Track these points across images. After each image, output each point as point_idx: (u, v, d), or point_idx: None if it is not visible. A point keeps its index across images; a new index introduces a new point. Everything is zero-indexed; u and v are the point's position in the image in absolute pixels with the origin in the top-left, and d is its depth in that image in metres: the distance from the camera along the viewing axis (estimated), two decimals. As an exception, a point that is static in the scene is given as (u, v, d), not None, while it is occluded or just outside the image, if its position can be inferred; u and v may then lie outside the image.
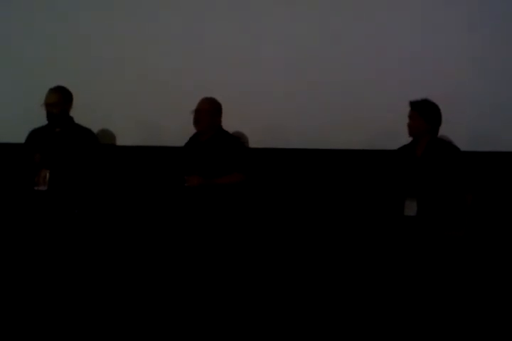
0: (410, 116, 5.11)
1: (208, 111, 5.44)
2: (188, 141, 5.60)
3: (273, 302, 5.22)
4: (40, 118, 5.61)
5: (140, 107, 6.00)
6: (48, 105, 5.56)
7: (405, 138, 5.19)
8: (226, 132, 5.54)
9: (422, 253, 4.90)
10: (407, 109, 5.12)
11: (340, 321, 5.01)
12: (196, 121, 5.44)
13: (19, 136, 5.74)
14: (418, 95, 5.11)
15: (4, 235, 5.51)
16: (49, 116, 5.58)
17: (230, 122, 5.55)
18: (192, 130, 5.53)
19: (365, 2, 5.68)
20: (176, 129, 5.82)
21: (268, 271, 5.41)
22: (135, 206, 5.82)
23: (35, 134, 5.70)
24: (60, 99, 5.57)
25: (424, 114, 5.06)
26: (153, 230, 5.56)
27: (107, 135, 6.05)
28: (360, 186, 5.54)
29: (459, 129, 5.35)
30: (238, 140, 5.59)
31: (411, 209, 4.96)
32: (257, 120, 5.77)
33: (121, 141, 6.08)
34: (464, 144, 5.21)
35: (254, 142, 5.80)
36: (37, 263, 5.34)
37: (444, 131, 5.16)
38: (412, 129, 5.11)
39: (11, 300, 5.20)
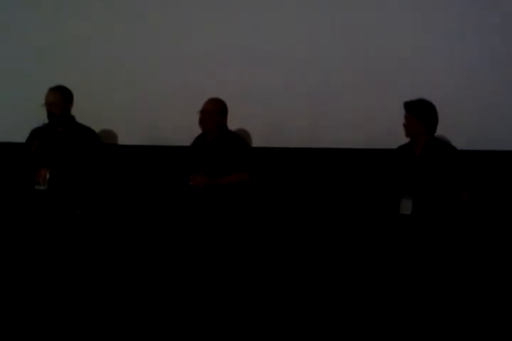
0: (405, 117, 5.11)
1: (213, 112, 5.47)
2: (194, 140, 5.63)
3: (272, 297, 5.23)
4: (41, 118, 5.61)
5: (142, 107, 6.03)
6: (49, 104, 5.55)
7: (404, 138, 5.18)
8: (231, 132, 5.57)
9: (416, 252, 4.90)
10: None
11: (334, 318, 5.02)
12: (202, 121, 5.48)
13: (19, 136, 5.75)
14: (417, 94, 5.11)
15: (4, 235, 5.53)
16: (50, 115, 5.57)
17: (230, 121, 5.56)
18: (195, 129, 5.55)
19: (365, 2, 5.67)
20: (178, 128, 5.87)
21: (268, 268, 5.45)
22: (138, 206, 5.84)
23: (36, 133, 5.68)
24: (60, 99, 5.57)
25: (419, 115, 5.06)
26: (157, 230, 5.57)
27: (110, 134, 6.06)
28: (357, 184, 5.54)
29: (457, 128, 5.32)
30: (243, 140, 5.60)
31: (406, 207, 4.97)
32: (257, 119, 5.78)
33: (124, 140, 6.09)
34: (462, 143, 5.19)
35: (255, 141, 5.82)
36: (38, 264, 5.35)
37: (442, 130, 5.16)
38: (408, 130, 5.11)
39: (12, 300, 5.22)
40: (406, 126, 5.10)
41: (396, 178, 5.10)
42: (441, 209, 4.95)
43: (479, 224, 5.11)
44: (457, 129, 5.30)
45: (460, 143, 5.17)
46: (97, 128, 5.77)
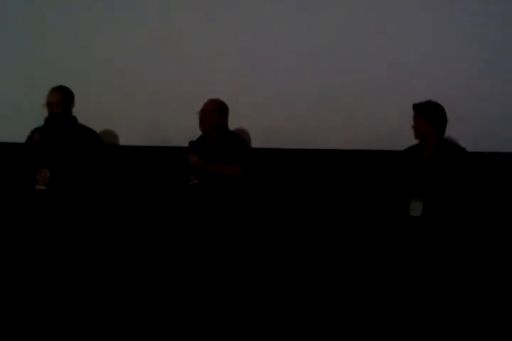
0: (414, 119, 5.11)
1: (213, 112, 5.48)
2: (195, 141, 5.61)
3: (273, 301, 5.22)
4: (42, 119, 5.61)
5: (142, 107, 5.99)
6: (50, 105, 5.55)
7: (406, 139, 5.20)
8: (231, 132, 5.57)
9: (426, 254, 4.90)
10: (410, 110, 5.12)
11: (342, 321, 5.02)
12: (201, 122, 5.48)
13: (20, 136, 5.73)
14: (417, 95, 5.12)
15: (4, 234, 5.51)
16: (51, 115, 5.57)
17: (230, 122, 5.57)
18: (195, 130, 5.54)
19: (365, 2, 5.67)
20: (179, 129, 5.84)
21: (270, 270, 5.42)
22: (138, 206, 5.82)
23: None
24: (61, 99, 5.57)
25: (428, 117, 5.06)
26: (157, 230, 5.56)
27: (110, 135, 6.04)
28: (365, 186, 5.53)
29: (465, 130, 5.34)
30: (242, 139, 5.59)
31: (416, 209, 4.97)
32: (257, 120, 5.76)
33: (124, 141, 6.07)
34: (470, 145, 5.20)
35: (255, 142, 5.81)
36: (38, 263, 5.34)
37: (450, 131, 5.16)
38: (417, 132, 5.12)
39: (11, 300, 5.19)
40: (415, 127, 5.11)
41: (406, 180, 5.11)
42: (452, 211, 4.95)
43: (489, 226, 5.11)
44: (464, 130, 5.32)
45: (467, 144, 5.18)
46: (97, 128, 5.76)
